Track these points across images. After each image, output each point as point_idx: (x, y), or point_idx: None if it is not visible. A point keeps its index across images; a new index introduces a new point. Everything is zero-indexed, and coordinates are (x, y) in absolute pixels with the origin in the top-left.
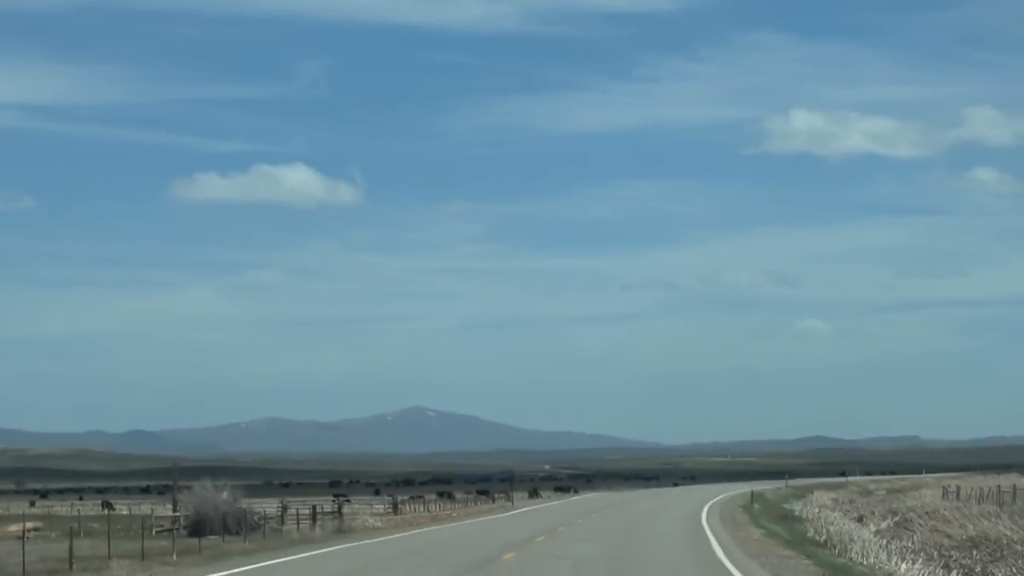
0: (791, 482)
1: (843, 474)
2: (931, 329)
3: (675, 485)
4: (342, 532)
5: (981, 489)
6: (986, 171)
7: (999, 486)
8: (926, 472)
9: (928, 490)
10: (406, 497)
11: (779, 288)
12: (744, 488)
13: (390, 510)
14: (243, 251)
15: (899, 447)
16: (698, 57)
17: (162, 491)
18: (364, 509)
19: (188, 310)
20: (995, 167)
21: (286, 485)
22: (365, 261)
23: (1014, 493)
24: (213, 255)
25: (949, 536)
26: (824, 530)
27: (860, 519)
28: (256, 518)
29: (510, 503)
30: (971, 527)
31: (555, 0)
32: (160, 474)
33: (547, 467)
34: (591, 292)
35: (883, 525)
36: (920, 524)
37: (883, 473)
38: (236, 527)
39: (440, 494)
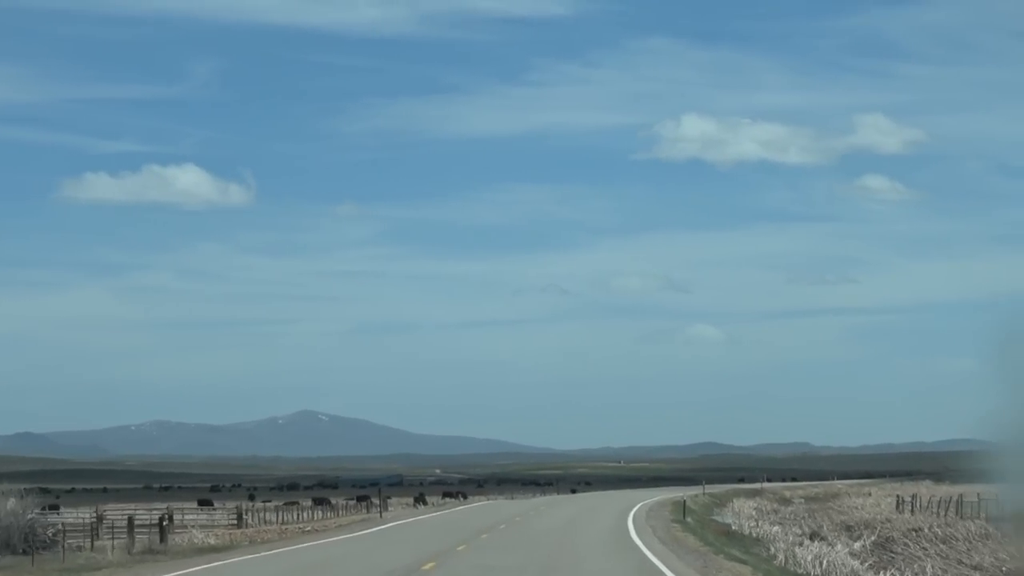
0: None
1: (742, 480)
2: (821, 336)
3: (573, 491)
4: (153, 552)
5: (941, 499)
6: (876, 178)
7: (961, 495)
8: (837, 479)
9: (860, 499)
10: (280, 503)
11: (670, 294)
12: (654, 495)
13: (234, 522)
14: (133, 252)
15: (791, 453)
16: (591, 62)
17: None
18: (211, 519)
19: (77, 311)
20: (885, 174)
21: (166, 489)
22: (256, 263)
23: (979, 504)
24: (102, 256)
25: (978, 568)
26: (803, 559)
27: (816, 536)
28: (51, 532)
29: (381, 515)
30: (1007, 557)
31: (450, 4)
32: (42, 476)
33: (438, 471)
34: (483, 297)
35: (856, 546)
36: (912, 546)
37: (783, 479)
38: (23, 544)
39: (316, 501)
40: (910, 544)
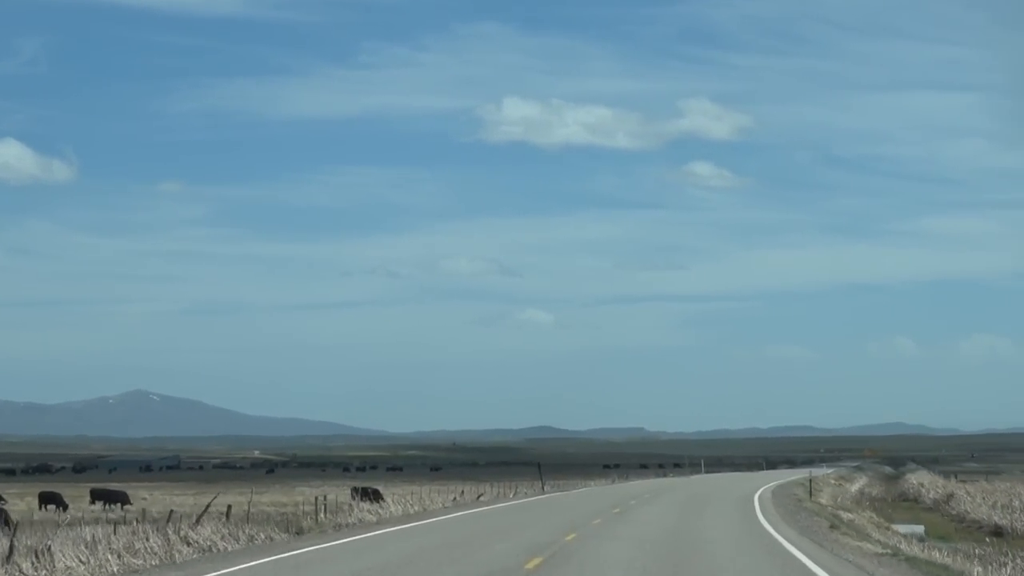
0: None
1: (644, 466)
2: (651, 322)
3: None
4: None
5: None
6: (704, 165)
7: None
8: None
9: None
10: None
11: (501, 278)
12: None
13: None
14: None
15: (627, 438)
16: (421, 46)
17: None
18: None
19: None
20: (713, 161)
21: None
22: (83, 242)
23: None
24: None
25: None
26: None
27: None
28: None
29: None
30: None
31: None
32: None
33: (257, 452)
34: (312, 278)
35: None
36: None
37: (675, 465)
38: None
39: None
40: None
